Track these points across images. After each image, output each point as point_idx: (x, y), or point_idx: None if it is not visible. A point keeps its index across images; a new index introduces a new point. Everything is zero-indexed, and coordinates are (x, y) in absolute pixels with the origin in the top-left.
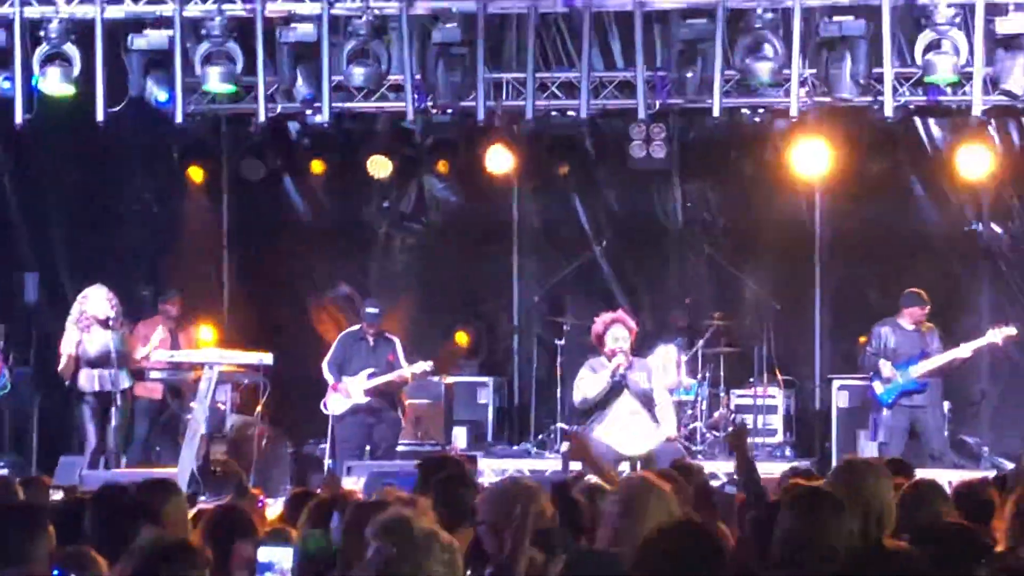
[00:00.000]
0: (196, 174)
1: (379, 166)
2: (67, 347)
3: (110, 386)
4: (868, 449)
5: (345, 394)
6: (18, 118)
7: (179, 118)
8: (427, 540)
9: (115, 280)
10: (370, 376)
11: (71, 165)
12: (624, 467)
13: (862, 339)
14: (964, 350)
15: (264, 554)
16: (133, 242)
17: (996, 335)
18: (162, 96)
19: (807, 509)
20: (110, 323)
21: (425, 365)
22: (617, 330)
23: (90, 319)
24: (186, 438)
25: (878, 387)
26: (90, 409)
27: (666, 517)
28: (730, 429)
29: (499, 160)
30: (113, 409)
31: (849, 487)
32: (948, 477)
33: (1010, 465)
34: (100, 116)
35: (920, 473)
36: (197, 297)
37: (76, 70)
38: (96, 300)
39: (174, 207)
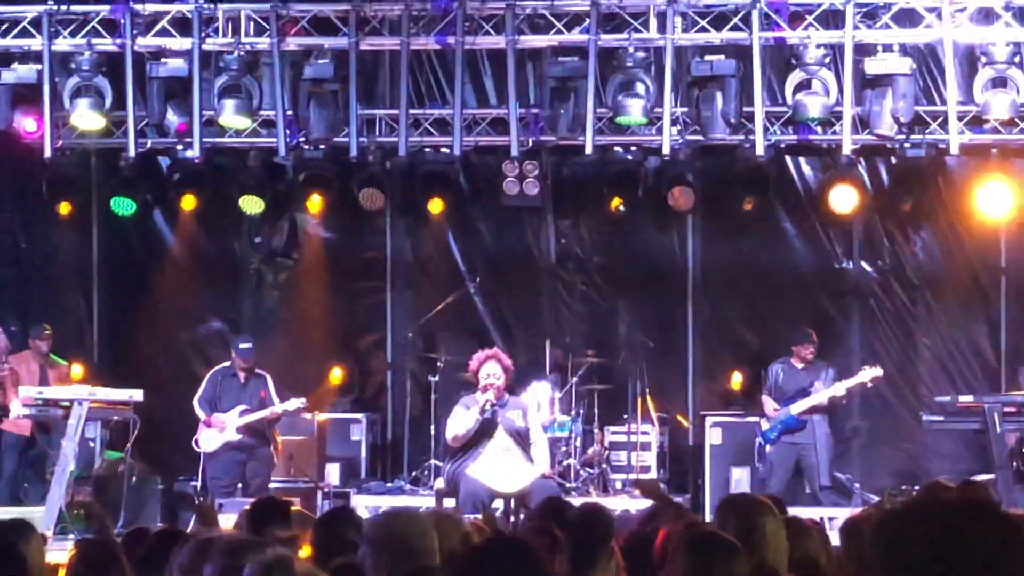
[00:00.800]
0: (65, 208)
1: (251, 204)
2: None
3: None
4: (741, 484)
5: (219, 429)
6: None
7: (48, 152)
8: None
9: None
10: (242, 413)
11: None
12: (498, 504)
13: (735, 383)
14: (838, 388)
15: None
16: (1, 277)
17: (865, 375)
18: (31, 127)
19: (703, 552)
20: None
21: (298, 402)
22: (491, 366)
23: None
24: (55, 476)
25: (763, 423)
26: None
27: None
28: (639, 479)
29: (372, 197)
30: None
31: (743, 527)
32: (821, 514)
33: (878, 501)
34: None
35: (791, 510)
36: (67, 333)
37: None
38: None
39: (43, 242)
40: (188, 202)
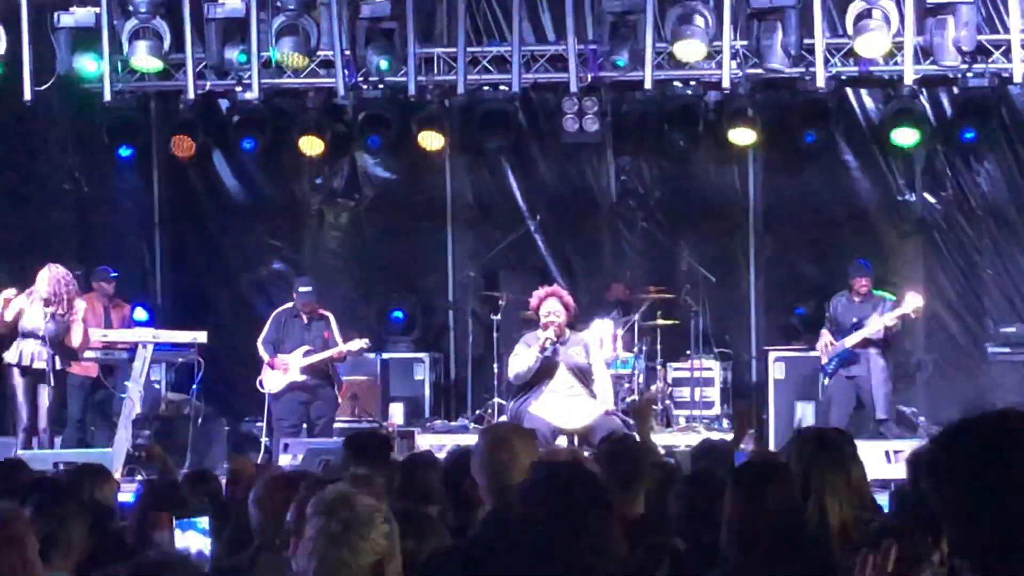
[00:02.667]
0: (125, 151)
1: (310, 145)
2: (8, 314)
3: (38, 362)
4: (806, 419)
5: (282, 371)
6: None
7: (107, 96)
8: (369, 513)
9: (46, 260)
10: (306, 353)
11: None
12: (561, 441)
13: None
14: (886, 319)
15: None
16: (64, 221)
17: (907, 306)
18: (91, 66)
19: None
20: (49, 301)
21: (361, 342)
22: (551, 303)
23: (35, 293)
24: (121, 418)
25: (822, 355)
26: (19, 386)
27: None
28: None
29: (431, 137)
30: (44, 387)
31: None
32: (886, 447)
33: None
34: (27, 95)
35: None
36: (130, 276)
37: (2, 49)
38: (42, 278)
39: (104, 185)
40: (248, 144)
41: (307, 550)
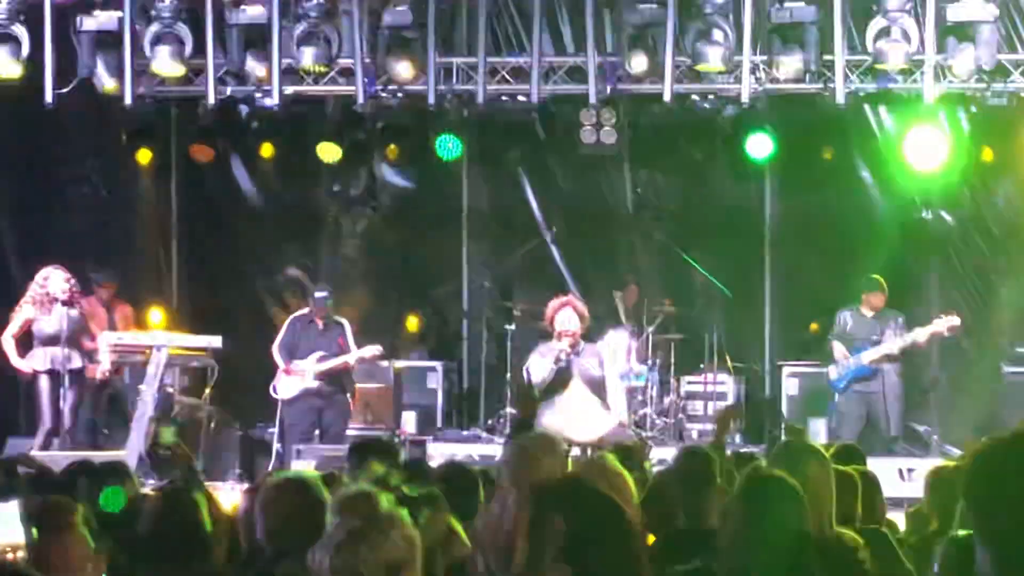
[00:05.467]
0: (145, 156)
1: (328, 151)
2: (12, 327)
3: (61, 365)
4: (819, 435)
5: (298, 377)
6: None
7: (128, 100)
8: (390, 516)
9: (64, 263)
10: (320, 359)
11: (18, 147)
12: (574, 453)
13: (813, 326)
14: (917, 335)
15: None
16: (82, 225)
17: (942, 324)
18: (110, 86)
19: (762, 495)
20: (66, 303)
21: (374, 349)
22: (566, 314)
23: (52, 300)
24: (134, 420)
25: (831, 371)
26: (45, 390)
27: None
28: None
29: (447, 146)
30: (65, 389)
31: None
32: (899, 464)
33: (958, 453)
34: (48, 98)
35: (869, 461)
36: (147, 279)
37: (24, 51)
38: (56, 280)
39: (123, 190)
40: (267, 150)
41: (325, 544)
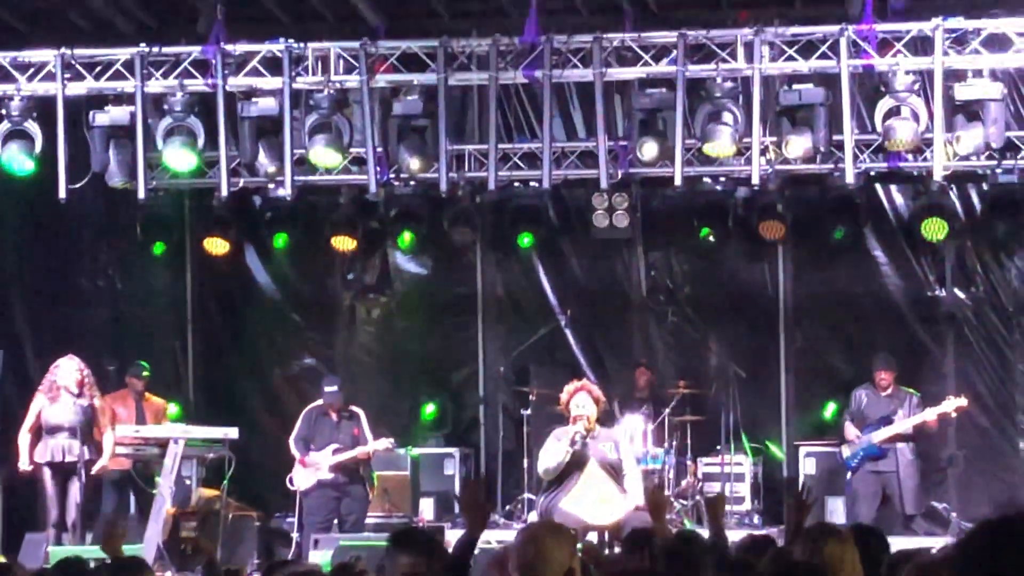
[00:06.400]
0: (159, 248)
1: (343, 241)
2: (27, 421)
3: (69, 456)
4: (836, 514)
5: (313, 469)
6: None
7: (142, 194)
8: None
9: (80, 355)
10: (335, 451)
11: (33, 242)
12: (592, 537)
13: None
14: (925, 415)
15: None
16: (97, 317)
17: (950, 405)
18: (123, 180)
19: None
20: (76, 393)
21: (387, 442)
22: (581, 398)
23: (59, 388)
24: (152, 513)
25: (844, 450)
26: (49, 482)
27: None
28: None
29: (461, 233)
30: (74, 482)
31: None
32: (917, 543)
33: None
34: (62, 193)
35: (890, 540)
36: (162, 371)
37: (38, 147)
38: (67, 369)
39: (138, 282)
40: (280, 240)
41: None
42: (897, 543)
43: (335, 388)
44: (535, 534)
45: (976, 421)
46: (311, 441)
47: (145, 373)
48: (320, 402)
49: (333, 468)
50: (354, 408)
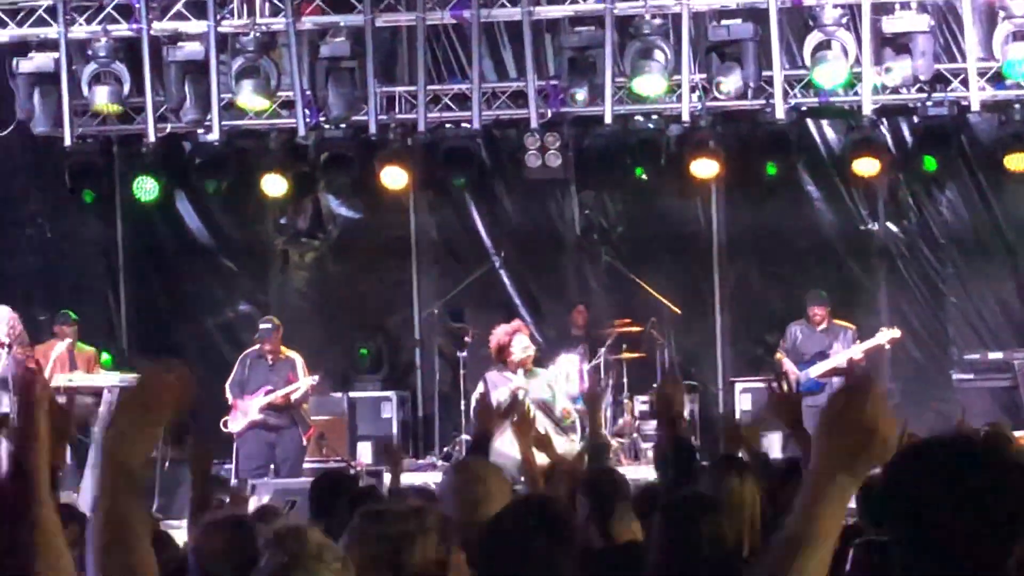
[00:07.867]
0: (89, 196)
1: (274, 185)
2: None
3: (6, 409)
4: (772, 450)
5: (243, 412)
6: None
7: (68, 141)
8: (319, 549)
9: (11, 305)
10: (266, 393)
11: None
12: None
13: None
14: (855, 351)
15: None
16: (28, 266)
17: (883, 337)
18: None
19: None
20: (6, 346)
21: (309, 380)
22: (522, 338)
23: None
24: (88, 463)
25: None
26: None
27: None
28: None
29: (394, 175)
30: (6, 432)
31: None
32: None
33: None
34: None
35: None
36: (95, 320)
37: None
38: None
39: (68, 230)
40: (211, 186)
41: None
42: None
43: (267, 326)
44: (478, 474)
45: (910, 354)
46: (246, 384)
47: (73, 318)
48: (255, 347)
49: (263, 410)
50: (290, 353)
